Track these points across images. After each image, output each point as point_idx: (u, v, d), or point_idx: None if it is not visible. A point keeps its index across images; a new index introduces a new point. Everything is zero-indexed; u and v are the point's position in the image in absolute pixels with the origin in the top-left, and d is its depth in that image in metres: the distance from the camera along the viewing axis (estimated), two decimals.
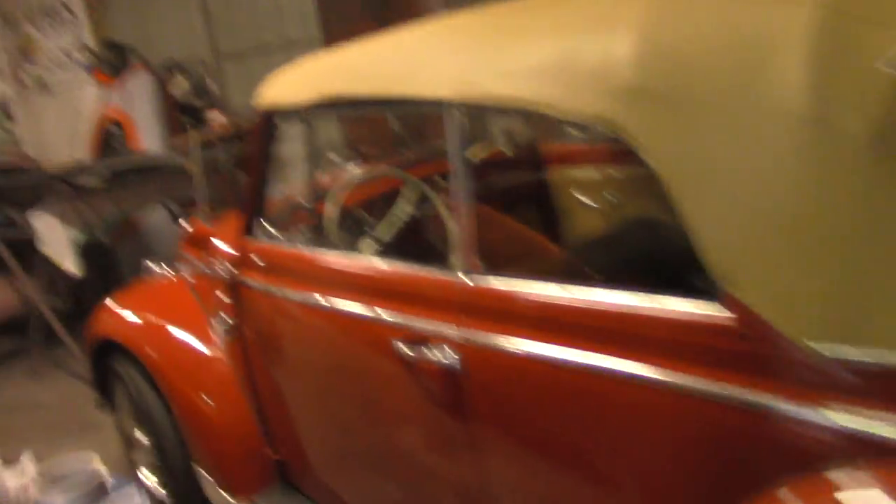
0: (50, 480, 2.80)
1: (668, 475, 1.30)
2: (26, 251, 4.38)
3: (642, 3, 1.35)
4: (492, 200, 2.32)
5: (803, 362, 1.07)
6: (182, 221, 2.86)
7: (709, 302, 1.19)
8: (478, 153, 2.61)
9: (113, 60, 6.37)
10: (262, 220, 2.23)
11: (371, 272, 1.85)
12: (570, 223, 2.64)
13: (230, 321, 2.35)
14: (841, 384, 1.05)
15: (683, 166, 1.18)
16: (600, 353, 1.33)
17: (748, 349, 1.15)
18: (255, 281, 2.22)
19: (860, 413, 1.04)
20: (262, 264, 2.20)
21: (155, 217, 5.66)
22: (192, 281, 2.63)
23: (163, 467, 2.59)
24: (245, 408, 2.40)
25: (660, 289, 1.27)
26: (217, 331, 2.44)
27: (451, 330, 1.58)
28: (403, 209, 2.27)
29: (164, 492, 2.65)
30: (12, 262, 4.47)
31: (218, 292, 2.38)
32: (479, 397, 1.57)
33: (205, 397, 2.42)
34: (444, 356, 1.58)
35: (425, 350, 1.62)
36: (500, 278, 1.53)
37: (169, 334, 2.57)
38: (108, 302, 2.82)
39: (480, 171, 1.81)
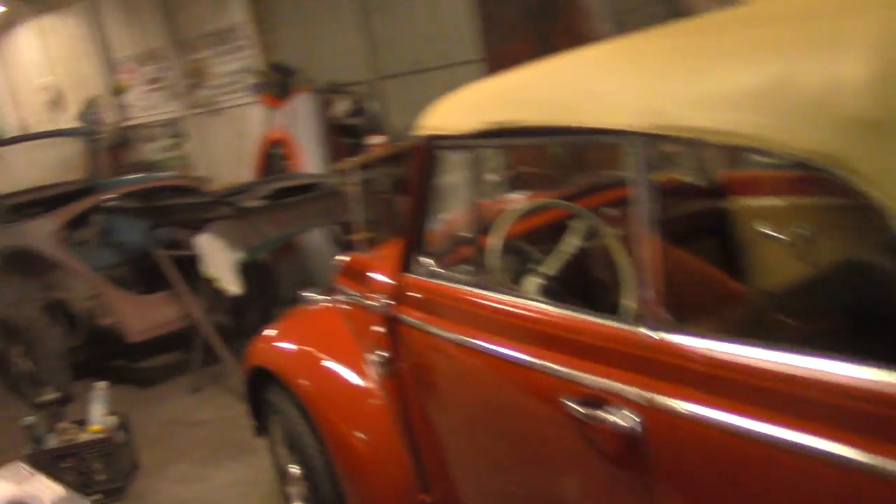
0: None
1: None
2: (191, 267, 4.51)
3: (875, 14, 1.13)
4: (666, 234, 2.12)
5: None
6: (338, 256, 2.82)
7: None
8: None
9: (280, 83, 6.57)
10: (420, 257, 2.14)
11: (538, 315, 1.72)
12: (753, 259, 2.38)
13: (385, 356, 2.27)
14: None
15: None
16: (820, 435, 1.12)
17: None
18: (412, 317, 2.13)
19: None
20: (420, 300, 2.11)
21: (312, 237, 5.78)
22: (348, 312, 2.57)
23: (315, 501, 2.54)
24: (399, 447, 2.30)
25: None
26: (371, 365, 2.36)
27: (631, 389, 1.41)
28: (571, 243, 2.11)
29: None
30: (177, 279, 4.64)
31: (374, 326, 2.30)
32: (661, 466, 1.41)
33: (358, 433, 2.35)
34: (621, 419, 1.42)
35: (600, 411, 1.46)
36: (692, 337, 1.34)
37: (323, 366, 2.53)
38: (266, 331, 2.82)
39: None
